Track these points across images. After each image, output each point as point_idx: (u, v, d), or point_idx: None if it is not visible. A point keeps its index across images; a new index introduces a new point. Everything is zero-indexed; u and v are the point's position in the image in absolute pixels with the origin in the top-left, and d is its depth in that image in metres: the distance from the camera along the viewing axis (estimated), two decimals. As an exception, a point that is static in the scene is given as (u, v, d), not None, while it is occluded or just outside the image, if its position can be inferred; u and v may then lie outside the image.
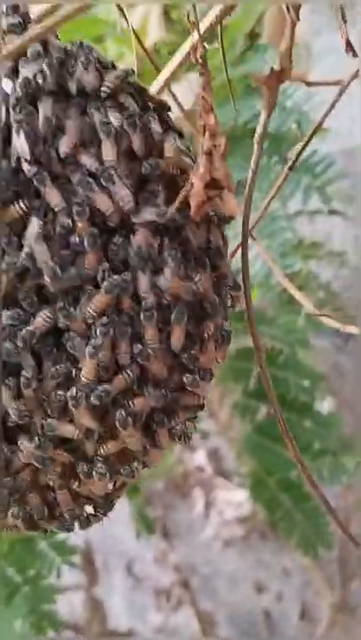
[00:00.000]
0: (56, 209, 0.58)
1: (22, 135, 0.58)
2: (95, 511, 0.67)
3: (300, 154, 0.72)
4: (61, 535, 1.47)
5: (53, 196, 0.58)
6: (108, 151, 0.58)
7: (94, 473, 0.61)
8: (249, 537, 2.11)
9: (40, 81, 0.59)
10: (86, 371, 0.59)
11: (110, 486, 0.65)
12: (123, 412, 0.59)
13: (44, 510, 0.64)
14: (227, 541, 2.12)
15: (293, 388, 1.60)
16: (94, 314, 0.58)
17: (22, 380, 0.59)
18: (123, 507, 2.12)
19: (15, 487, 0.62)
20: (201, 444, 2.17)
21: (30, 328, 0.59)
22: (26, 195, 0.59)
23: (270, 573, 2.06)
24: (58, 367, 0.60)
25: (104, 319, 0.58)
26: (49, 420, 0.60)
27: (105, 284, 0.57)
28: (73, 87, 0.59)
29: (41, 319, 0.59)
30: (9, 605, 1.42)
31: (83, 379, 0.59)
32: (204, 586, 2.10)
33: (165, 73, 0.71)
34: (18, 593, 1.43)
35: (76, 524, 0.66)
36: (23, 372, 0.59)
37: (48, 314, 0.59)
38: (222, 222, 0.62)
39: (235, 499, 2.13)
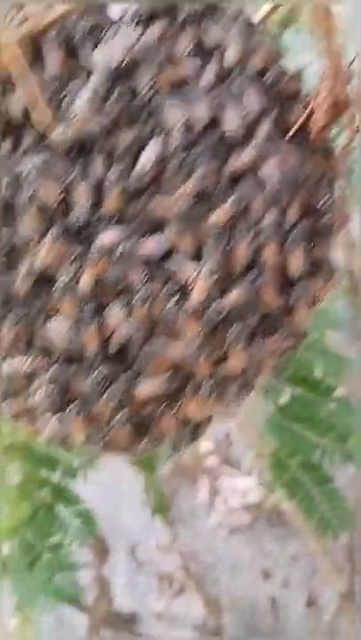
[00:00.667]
0: (178, 124, 0.58)
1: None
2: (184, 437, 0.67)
3: None
4: (84, 505, 1.46)
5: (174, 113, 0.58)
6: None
7: (202, 393, 0.61)
8: (255, 525, 2.10)
9: None
10: (199, 288, 0.58)
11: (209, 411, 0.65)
12: (238, 327, 0.58)
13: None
14: (232, 529, 2.11)
15: (318, 370, 1.59)
16: (218, 225, 0.57)
17: (136, 298, 0.59)
18: (127, 487, 2.11)
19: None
20: (209, 431, 2.15)
21: (146, 252, 0.58)
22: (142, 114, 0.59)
23: (276, 561, 2.05)
24: (167, 286, 0.59)
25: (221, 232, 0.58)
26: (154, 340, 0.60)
27: (234, 196, 0.56)
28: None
29: (155, 243, 0.58)
30: (30, 572, 1.41)
31: (195, 295, 0.58)
32: (208, 573, 2.09)
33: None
34: (39, 560, 1.42)
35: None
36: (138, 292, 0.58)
37: (162, 238, 0.58)
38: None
39: (241, 486, 2.13)
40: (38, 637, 1.72)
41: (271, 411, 1.63)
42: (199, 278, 0.57)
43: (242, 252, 0.57)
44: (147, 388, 0.61)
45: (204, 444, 2.20)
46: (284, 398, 1.61)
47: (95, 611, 1.91)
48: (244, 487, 2.12)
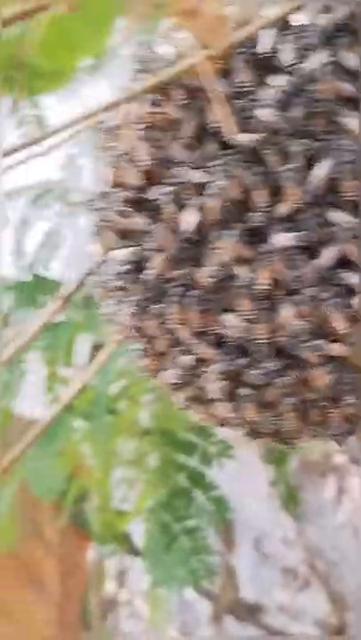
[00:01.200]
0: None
1: None
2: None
3: None
4: (220, 491, 1.50)
5: None
6: None
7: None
8: (382, 526, 2.09)
9: None
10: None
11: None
12: None
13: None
14: (358, 528, 2.11)
15: None
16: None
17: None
18: (254, 480, 2.14)
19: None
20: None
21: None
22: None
23: None
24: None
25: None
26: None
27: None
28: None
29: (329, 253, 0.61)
30: (167, 553, 1.46)
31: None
32: (333, 570, 2.10)
33: None
34: (176, 542, 1.46)
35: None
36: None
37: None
38: None
39: (370, 486, 2.12)
40: (169, 619, 1.77)
41: None
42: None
43: None
44: (315, 377, 0.64)
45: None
46: None
47: (220, 598, 1.94)
48: (372, 487, 2.12)
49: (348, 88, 0.61)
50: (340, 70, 0.62)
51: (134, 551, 1.82)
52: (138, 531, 1.65)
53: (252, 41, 0.63)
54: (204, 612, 2.09)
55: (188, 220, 0.63)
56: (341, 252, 0.62)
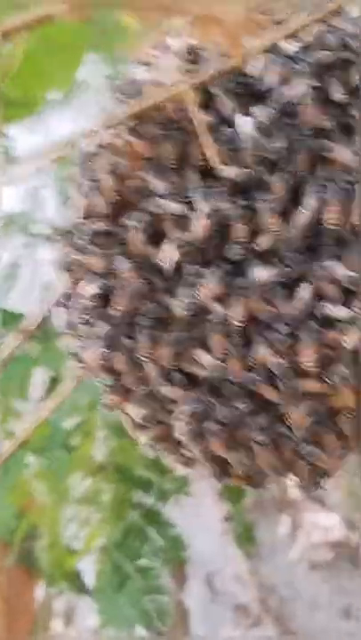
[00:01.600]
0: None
1: None
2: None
3: None
4: (176, 530, 1.47)
5: None
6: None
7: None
8: (337, 562, 2.07)
9: None
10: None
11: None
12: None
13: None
14: (313, 564, 2.09)
15: None
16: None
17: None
18: (206, 515, 2.11)
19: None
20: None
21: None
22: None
23: (357, 600, 2.02)
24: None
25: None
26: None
27: None
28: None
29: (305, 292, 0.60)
30: (118, 593, 1.42)
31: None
32: (286, 607, 2.07)
33: None
34: (128, 582, 1.42)
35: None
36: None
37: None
38: None
39: (325, 522, 2.10)
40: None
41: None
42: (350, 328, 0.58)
43: None
44: (293, 417, 0.61)
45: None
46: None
47: (171, 636, 1.90)
48: (327, 523, 2.10)
49: (326, 118, 0.59)
50: (325, 100, 0.60)
51: (83, 590, 1.77)
52: (87, 569, 1.61)
53: (236, 69, 0.61)
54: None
55: (169, 255, 0.61)
56: (320, 290, 0.60)
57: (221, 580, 2.13)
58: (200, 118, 0.58)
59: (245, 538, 1.77)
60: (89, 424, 1.46)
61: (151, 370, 0.63)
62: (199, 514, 2.08)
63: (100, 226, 0.63)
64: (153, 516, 1.44)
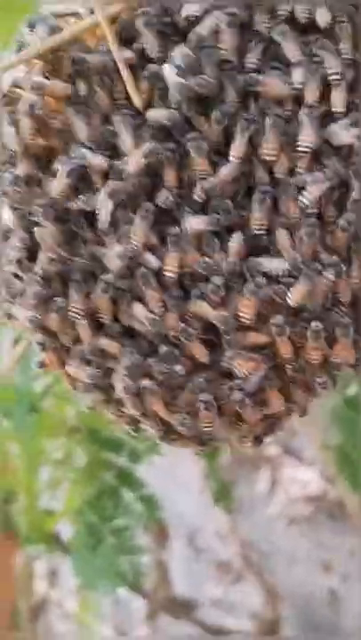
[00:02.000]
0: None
1: None
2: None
3: None
4: (149, 489, 1.46)
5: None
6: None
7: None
8: (315, 517, 2.08)
9: None
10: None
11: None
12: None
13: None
14: (292, 519, 2.10)
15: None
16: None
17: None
18: (185, 474, 2.11)
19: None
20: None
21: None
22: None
23: (336, 554, 2.04)
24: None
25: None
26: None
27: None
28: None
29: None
30: (93, 554, 1.42)
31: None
32: (266, 562, 2.09)
33: None
34: (102, 543, 1.43)
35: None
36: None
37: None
38: None
39: (302, 477, 2.11)
40: (98, 620, 1.73)
41: (337, 402, 1.61)
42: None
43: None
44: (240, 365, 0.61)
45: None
46: (352, 390, 1.60)
47: (154, 596, 1.91)
48: (305, 478, 2.11)
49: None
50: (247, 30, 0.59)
51: (64, 550, 1.78)
52: (67, 530, 1.62)
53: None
54: (139, 610, 2.06)
55: (103, 207, 0.59)
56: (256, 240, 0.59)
57: (203, 538, 2.14)
58: (120, 54, 0.56)
59: (222, 495, 1.77)
60: (59, 386, 1.44)
61: (85, 327, 0.61)
62: (179, 472, 2.09)
63: (23, 171, 0.61)
64: (126, 477, 1.44)
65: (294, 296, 0.58)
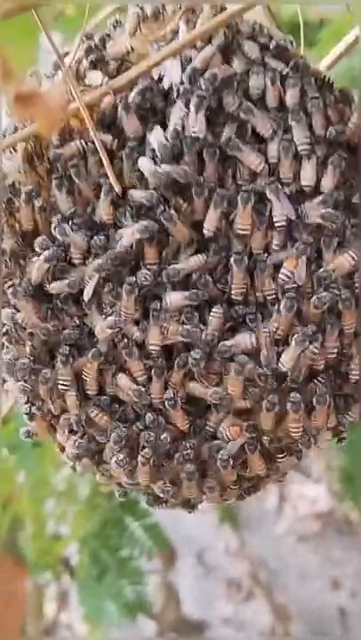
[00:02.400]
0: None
1: None
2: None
3: None
4: (153, 518, 1.47)
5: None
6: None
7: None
8: (324, 533, 2.09)
9: None
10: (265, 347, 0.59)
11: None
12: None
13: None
14: (301, 536, 2.11)
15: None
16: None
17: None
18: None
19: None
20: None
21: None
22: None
23: (345, 571, 2.04)
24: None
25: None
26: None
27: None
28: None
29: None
30: (98, 583, 1.43)
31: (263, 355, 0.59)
32: (276, 580, 2.09)
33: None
34: (108, 572, 1.44)
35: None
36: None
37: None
38: None
39: (311, 494, 2.11)
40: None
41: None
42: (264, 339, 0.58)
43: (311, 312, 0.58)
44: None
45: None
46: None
47: (163, 617, 1.92)
48: (313, 495, 2.11)
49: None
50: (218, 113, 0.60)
51: (73, 575, 1.79)
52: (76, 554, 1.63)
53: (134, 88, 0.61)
54: (149, 631, 2.07)
55: (88, 285, 0.61)
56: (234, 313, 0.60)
57: (212, 556, 2.15)
58: (99, 139, 0.58)
59: (227, 513, 1.78)
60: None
61: (73, 397, 0.63)
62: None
63: (9, 246, 0.63)
64: (130, 506, 1.45)
65: (287, 361, 0.59)
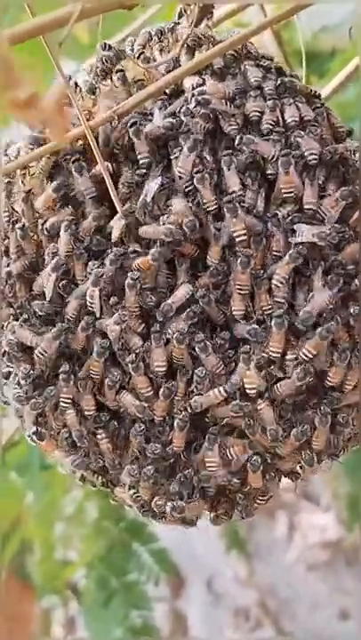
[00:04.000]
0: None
1: None
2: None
3: None
4: (160, 543, 1.47)
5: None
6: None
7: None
8: (333, 562, 2.07)
9: None
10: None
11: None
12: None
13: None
14: (310, 565, 2.09)
15: None
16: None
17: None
18: (204, 520, 2.11)
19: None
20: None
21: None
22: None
23: (354, 600, 2.02)
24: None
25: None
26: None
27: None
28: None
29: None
30: (105, 608, 1.43)
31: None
32: (285, 608, 2.07)
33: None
34: (114, 597, 1.43)
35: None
36: None
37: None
38: None
39: (320, 522, 2.10)
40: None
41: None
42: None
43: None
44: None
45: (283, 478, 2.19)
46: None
47: (171, 644, 1.91)
48: (322, 523, 2.10)
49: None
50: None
51: (81, 599, 1.78)
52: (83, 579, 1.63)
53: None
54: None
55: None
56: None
57: (221, 583, 2.13)
58: (103, 166, 0.58)
59: (235, 541, 1.77)
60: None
61: (73, 415, 0.64)
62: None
63: (17, 269, 0.64)
64: (136, 530, 1.44)
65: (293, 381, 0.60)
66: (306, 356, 0.61)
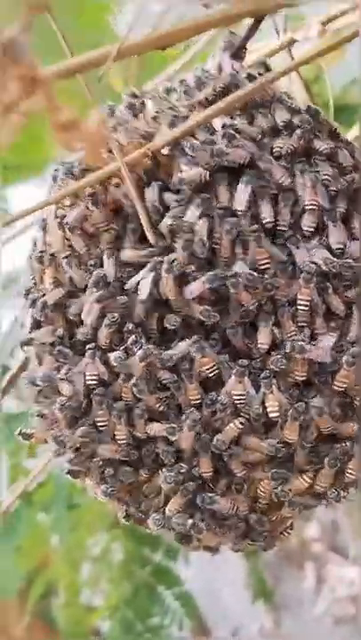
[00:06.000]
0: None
1: None
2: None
3: None
4: (185, 587, 1.47)
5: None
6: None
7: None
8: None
9: None
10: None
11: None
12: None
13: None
14: (338, 619, 2.06)
15: None
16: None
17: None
18: (232, 570, 2.09)
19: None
20: (315, 515, 2.13)
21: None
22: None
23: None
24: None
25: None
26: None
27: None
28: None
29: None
30: (130, 652, 1.42)
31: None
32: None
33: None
34: (140, 640, 1.42)
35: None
36: None
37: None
38: None
39: (349, 575, 2.07)
40: None
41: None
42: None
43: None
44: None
45: (311, 529, 2.17)
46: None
47: None
48: (351, 576, 2.07)
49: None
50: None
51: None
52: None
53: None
54: None
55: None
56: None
57: (246, 636, 2.10)
58: (138, 200, 0.60)
59: (262, 592, 1.75)
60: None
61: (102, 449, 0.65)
62: (223, 568, 2.07)
63: (52, 298, 0.66)
64: (162, 574, 1.44)
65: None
66: (339, 387, 0.62)
